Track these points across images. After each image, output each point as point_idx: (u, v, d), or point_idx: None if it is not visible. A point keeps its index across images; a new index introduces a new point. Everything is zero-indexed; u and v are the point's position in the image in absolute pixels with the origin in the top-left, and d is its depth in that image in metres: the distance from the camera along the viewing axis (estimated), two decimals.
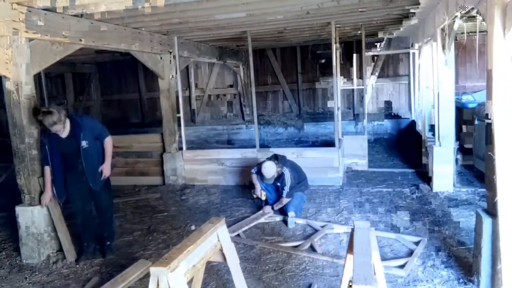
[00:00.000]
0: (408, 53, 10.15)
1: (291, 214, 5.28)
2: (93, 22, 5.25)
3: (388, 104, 11.10)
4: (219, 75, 12.18)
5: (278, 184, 5.56)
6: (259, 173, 5.57)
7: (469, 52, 9.89)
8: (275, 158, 5.63)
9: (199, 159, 7.53)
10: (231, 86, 12.19)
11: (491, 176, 3.20)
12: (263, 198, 5.61)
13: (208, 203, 6.36)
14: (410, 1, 5.32)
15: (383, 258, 3.75)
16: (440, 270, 3.79)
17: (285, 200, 5.44)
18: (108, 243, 4.65)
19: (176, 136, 7.61)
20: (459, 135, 7.21)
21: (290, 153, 7.07)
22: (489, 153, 3.18)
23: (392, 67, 10.97)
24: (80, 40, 5.04)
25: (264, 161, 5.61)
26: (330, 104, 8.95)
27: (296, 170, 5.74)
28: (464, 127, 7.58)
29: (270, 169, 5.44)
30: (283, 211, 5.49)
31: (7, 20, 4.03)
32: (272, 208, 5.57)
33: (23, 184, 4.48)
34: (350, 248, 2.67)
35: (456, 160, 6.43)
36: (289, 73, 11.65)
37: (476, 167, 7.05)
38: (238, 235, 4.95)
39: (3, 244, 5.09)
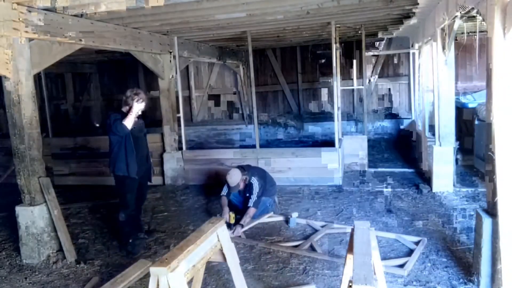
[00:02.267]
0: (408, 53, 10.15)
1: (294, 214, 5.27)
2: (93, 22, 5.25)
3: (388, 104, 11.11)
4: (219, 75, 12.18)
5: (247, 194, 5.38)
6: (230, 193, 5.46)
7: (469, 52, 9.89)
8: (241, 168, 5.51)
9: (199, 159, 7.54)
10: (231, 86, 12.19)
11: (491, 176, 3.20)
12: (232, 221, 5.10)
13: (208, 203, 6.35)
14: (410, 1, 5.32)
15: (383, 258, 3.75)
16: (440, 270, 3.79)
17: (252, 211, 5.21)
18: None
19: (176, 136, 7.61)
20: (459, 135, 7.21)
21: (290, 153, 7.11)
22: (489, 153, 3.18)
23: (392, 67, 10.97)
24: (80, 40, 5.04)
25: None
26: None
27: (264, 178, 5.59)
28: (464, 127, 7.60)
29: (235, 176, 5.29)
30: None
31: (7, 20, 4.03)
32: (242, 226, 5.05)
33: (23, 184, 4.47)
34: (350, 248, 2.67)
35: (456, 160, 6.43)
36: (289, 73, 11.65)
37: (476, 167, 7.05)
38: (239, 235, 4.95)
39: (3, 244, 5.09)
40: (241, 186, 5.41)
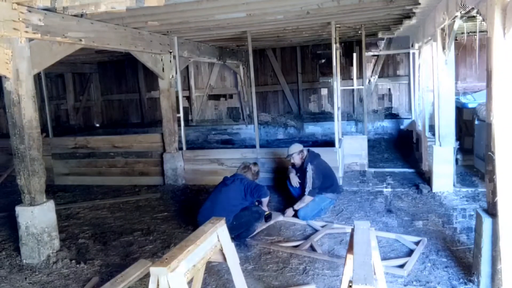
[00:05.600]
0: (408, 53, 10.15)
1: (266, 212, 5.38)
2: (93, 22, 5.25)
3: (388, 104, 11.11)
4: (219, 75, 12.19)
5: (300, 176, 5.63)
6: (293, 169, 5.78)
7: (469, 52, 9.89)
8: (307, 150, 5.69)
9: (199, 159, 7.54)
10: (231, 86, 12.20)
11: (491, 176, 3.20)
12: (289, 215, 5.41)
13: None
14: (410, 1, 5.32)
15: (383, 258, 3.75)
16: (440, 270, 3.79)
17: (307, 199, 5.32)
18: None
19: (176, 136, 7.61)
20: (459, 135, 7.21)
21: None
22: (489, 153, 3.18)
23: (392, 67, 10.97)
24: (80, 40, 5.04)
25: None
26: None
27: (324, 172, 5.58)
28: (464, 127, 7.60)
29: (293, 147, 5.65)
30: (295, 214, 5.41)
31: (7, 20, 4.03)
32: (293, 209, 5.38)
33: (23, 184, 4.47)
34: (350, 248, 2.67)
35: (456, 160, 6.43)
36: (289, 73, 11.65)
37: (476, 167, 7.05)
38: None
39: (3, 244, 5.09)
40: (297, 160, 5.62)
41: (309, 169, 5.39)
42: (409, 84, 10.65)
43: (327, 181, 5.55)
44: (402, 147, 9.56)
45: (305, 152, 5.64)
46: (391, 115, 10.96)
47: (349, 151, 7.76)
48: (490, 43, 3.05)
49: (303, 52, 11.40)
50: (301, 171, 5.60)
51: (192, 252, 2.50)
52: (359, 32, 7.97)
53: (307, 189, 5.33)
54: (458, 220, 4.90)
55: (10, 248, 4.93)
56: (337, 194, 5.75)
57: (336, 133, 6.99)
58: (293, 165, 5.75)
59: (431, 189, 6.14)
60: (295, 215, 5.38)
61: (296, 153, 5.60)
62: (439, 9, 5.50)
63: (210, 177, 7.38)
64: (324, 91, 11.48)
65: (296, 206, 5.37)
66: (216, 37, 7.93)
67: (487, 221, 3.26)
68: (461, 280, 3.60)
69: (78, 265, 4.33)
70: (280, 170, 6.95)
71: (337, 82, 7.53)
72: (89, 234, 5.31)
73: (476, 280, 3.45)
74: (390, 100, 11.08)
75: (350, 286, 2.21)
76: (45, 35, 4.50)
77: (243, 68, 11.51)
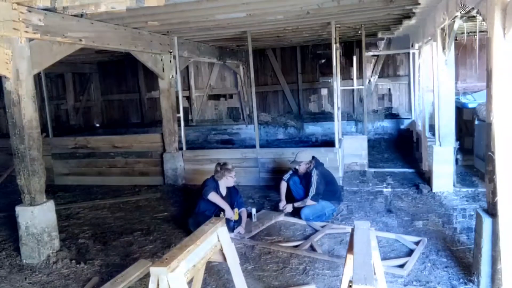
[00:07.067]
0: (408, 53, 10.15)
1: (253, 210, 5.41)
2: (93, 22, 5.25)
3: (388, 104, 11.11)
4: (219, 75, 12.19)
5: (304, 184, 5.58)
6: (291, 178, 5.68)
7: (469, 52, 9.89)
8: (313, 157, 5.67)
9: (199, 159, 7.54)
10: (231, 86, 12.20)
11: (491, 176, 3.20)
12: (236, 218, 5.02)
13: None
14: (410, 1, 5.32)
15: (383, 258, 3.75)
16: (440, 270, 3.79)
17: (309, 202, 5.32)
18: None
19: (176, 136, 7.61)
20: (459, 135, 7.21)
21: (290, 153, 7.08)
22: (489, 153, 3.18)
23: (392, 67, 10.97)
24: (80, 40, 5.04)
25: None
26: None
27: (327, 180, 5.55)
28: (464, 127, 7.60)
29: (304, 154, 5.63)
30: (297, 213, 5.41)
31: (7, 20, 4.03)
32: (293, 206, 5.47)
33: (23, 184, 4.47)
34: (350, 248, 2.67)
35: (456, 160, 6.43)
36: (289, 73, 11.65)
37: (476, 167, 7.05)
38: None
39: (3, 244, 5.09)
40: (302, 168, 5.56)
41: (314, 174, 5.40)
42: (409, 84, 10.66)
43: (331, 189, 5.52)
44: (402, 147, 9.55)
45: (313, 163, 5.57)
46: (391, 115, 10.96)
47: (349, 151, 7.76)
48: (490, 43, 3.05)
49: (303, 52, 11.40)
50: (305, 177, 5.57)
51: (192, 252, 2.50)
52: (359, 32, 7.97)
53: (311, 194, 5.35)
54: (458, 220, 4.90)
55: (10, 248, 4.93)
56: (340, 202, 5.72)
57: (336, 133, 6.99)
58: (296, 171, 5.69)
59: (431, 189, 6.14)
60: (298, 213, 5.37)
61: (304, 162, 5.54)
62: (439, 9, 5.50)
63: None
64: (324, 91, 11.49)
65: (296, 205, 5.46)
66: (216, 37, 7.93)
67: (487, 221, 3.26)
68: (461, 280, 3.60)
69: (78, 265, 4.33)
70: (280, 170, 6.95)
71: (337, 82, 7.53)
72: (89, 234, 5.31)
73: (476, 280, 3.45)
74: (390, 100, 11.09)
75: (350, 286, 2.21)
76: (45, 35, 4.50)
77: (243, 68, 11.51)
